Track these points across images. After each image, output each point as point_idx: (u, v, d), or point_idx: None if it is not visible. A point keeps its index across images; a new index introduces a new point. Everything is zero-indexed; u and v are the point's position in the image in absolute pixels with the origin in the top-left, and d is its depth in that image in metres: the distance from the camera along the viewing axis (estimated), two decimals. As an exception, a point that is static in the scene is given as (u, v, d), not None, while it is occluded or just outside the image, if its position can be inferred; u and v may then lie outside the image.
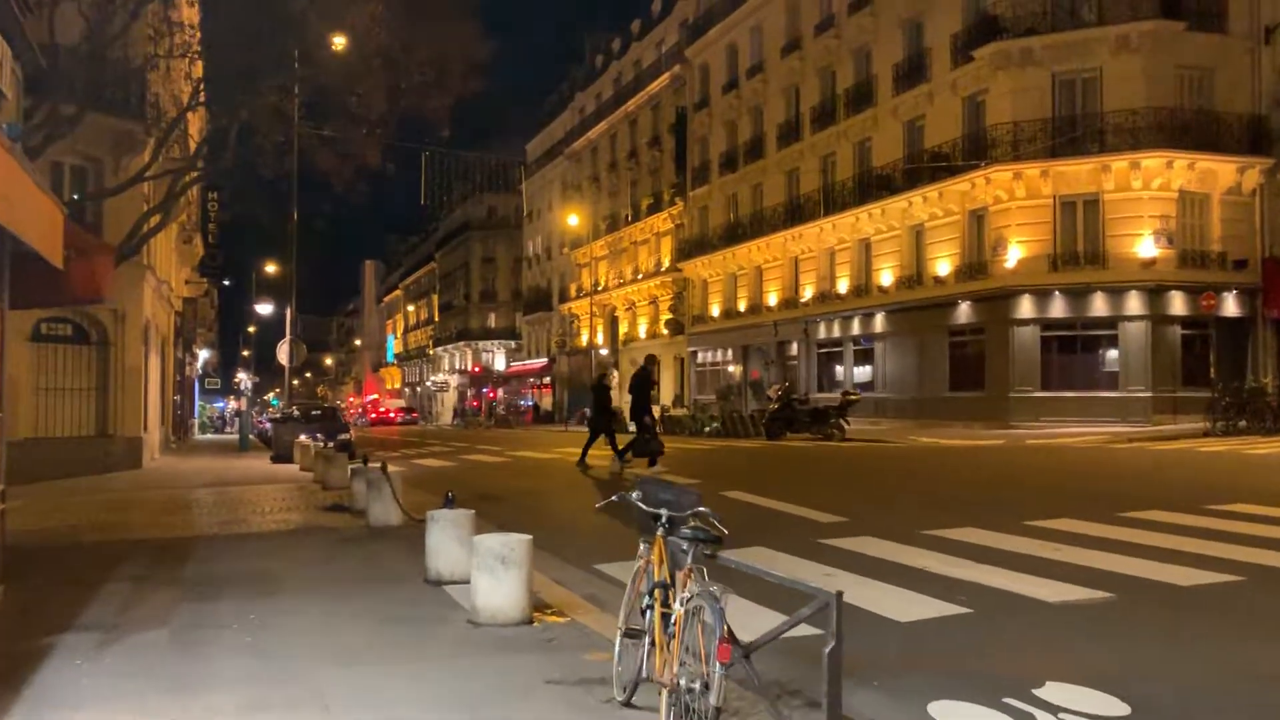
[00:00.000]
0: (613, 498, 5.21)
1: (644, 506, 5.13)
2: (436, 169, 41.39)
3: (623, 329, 56.89)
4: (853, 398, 27.44)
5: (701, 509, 4.88)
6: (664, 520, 5.01)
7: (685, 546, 4.52)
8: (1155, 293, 27.15)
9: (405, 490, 12.25)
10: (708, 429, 32.62)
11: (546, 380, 69.06)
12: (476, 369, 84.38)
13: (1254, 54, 28.04)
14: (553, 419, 62.92)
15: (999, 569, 8.25)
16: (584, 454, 19.07)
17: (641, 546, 5.31)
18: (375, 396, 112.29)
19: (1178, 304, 27.29)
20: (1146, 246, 27.11)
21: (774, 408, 27.78)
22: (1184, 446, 20.43)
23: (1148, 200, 27.25)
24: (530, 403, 71.62)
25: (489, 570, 6.75)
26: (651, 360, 18.71)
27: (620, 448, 18.03)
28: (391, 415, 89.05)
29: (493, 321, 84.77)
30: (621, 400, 21.76)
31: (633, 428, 18.34)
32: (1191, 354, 27.57)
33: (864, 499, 13.54)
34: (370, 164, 17.20)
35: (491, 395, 79.33)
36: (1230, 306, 27.44)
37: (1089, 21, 27.98)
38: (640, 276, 54.35)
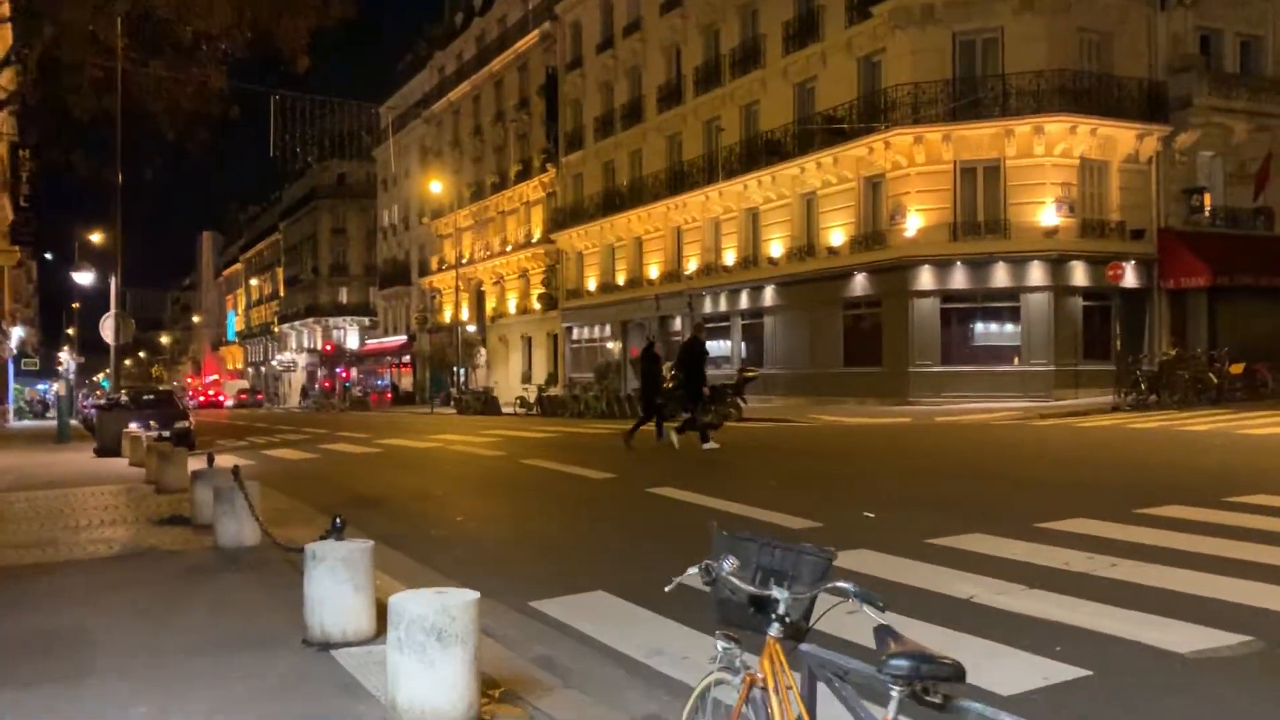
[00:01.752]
0: (691, 571, 2.96)
1: (744, 585, 2.90)
2: (287, 119, 37.17)
3: (490, 304, 54.02)
4: (750, 375, 25.71)
5: (843, 585, 2.71)
6: (783, 611, 2.81)
7: (894, 689, 2.31)
8: (1058, 263, 26.38)
9: (261, 493, 9.56)
10: (591, 411, 30.50)
11: (405, 359, 65.71)
12: (328, 348, 79.96)
13: (1150, 19, 27.53)
14: (414, 400, 59.75)
15: (1067, 597, 6.36)
16: (632, 431, 17.55)
17: (720, 644, 3.10)
18: (215, 377, 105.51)
19: (1079, 274, 26.61)
20: (1048, 215, 26.29)
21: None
22: (1111, 423, 19.43)
23: (1050, 167, 26.40)
24: (388, 383, 68.15)
25: (418, 650, 4.37)
26: (701, 329, 17.69)
27: (676, 425, 16.82)
28: (221, 398, 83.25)
29: (345, 297, 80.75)
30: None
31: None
32: (1092, 326, 26.97)
33: (820, 494, 11.61)
34: (211, 90, 14.12)
35: (345, 375, 75.15)
36: (1129, 277, 26.93)
37: (993, -22, 26.87)
38: (509, 248, 51.54)
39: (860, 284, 29.10)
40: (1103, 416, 21.16)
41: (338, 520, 6.22)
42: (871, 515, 9.72)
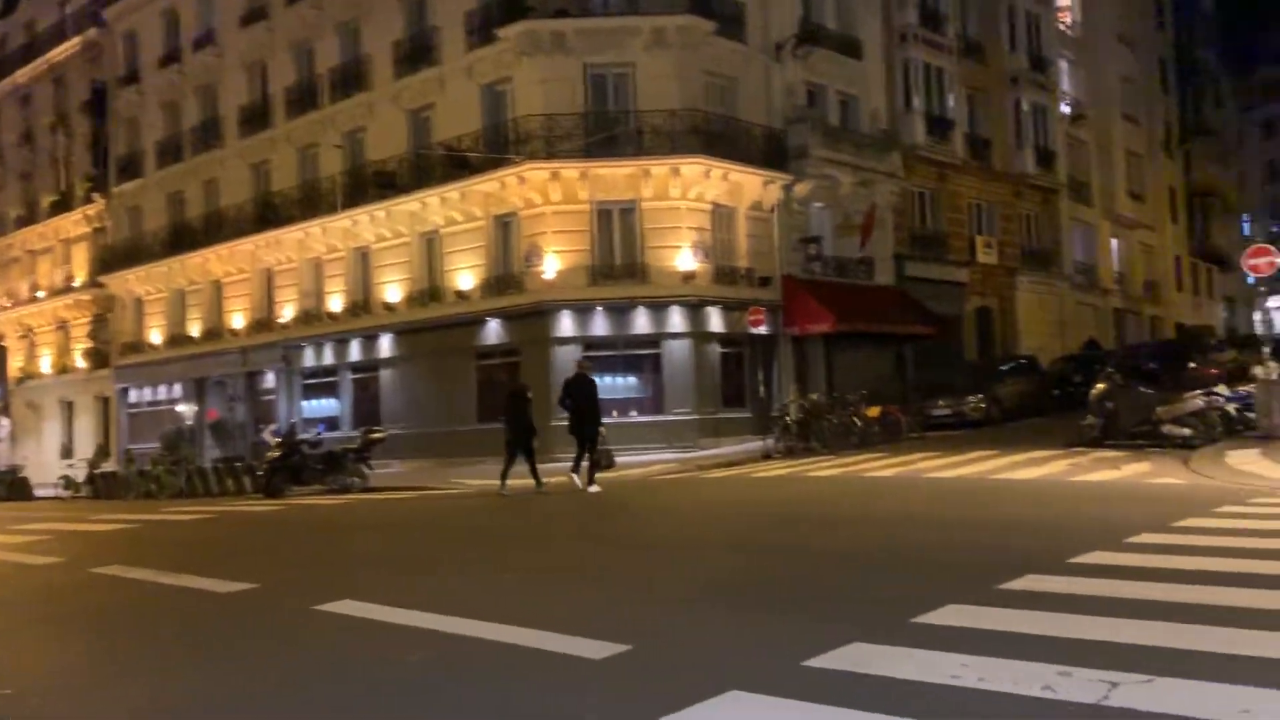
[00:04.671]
0: None
1: None
2: None
3: (16, 363, 44.33)
4: (378, 436, 21.96)
5: None
6: None
7: None
8: (696, 308, 25.58)
9: None
10: (167, 489, 24.77)
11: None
12: None
13: (768, 69, 27.96)
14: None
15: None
16: (503, 477, 16.84)
17: None
18: None
19: (715, 321, 26.01)
20: (685, 260, 25.44)
21: (274, 455, 21.27)
22: (786, 473, 18.22)
23: (685, 211, 25.62)
24: None
25: None
26: (584, 365, 17.90)
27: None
28: None
29: None
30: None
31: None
32: (728, 373, 26.48)
33: (576, 591, 8.34)
34: None
35: None
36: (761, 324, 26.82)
37: (623, 10, 25.81)
38: (42, 295, 42.67)
39: (495, 331, 26.39)
40: (767, 466, 20.14)
41: None
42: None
